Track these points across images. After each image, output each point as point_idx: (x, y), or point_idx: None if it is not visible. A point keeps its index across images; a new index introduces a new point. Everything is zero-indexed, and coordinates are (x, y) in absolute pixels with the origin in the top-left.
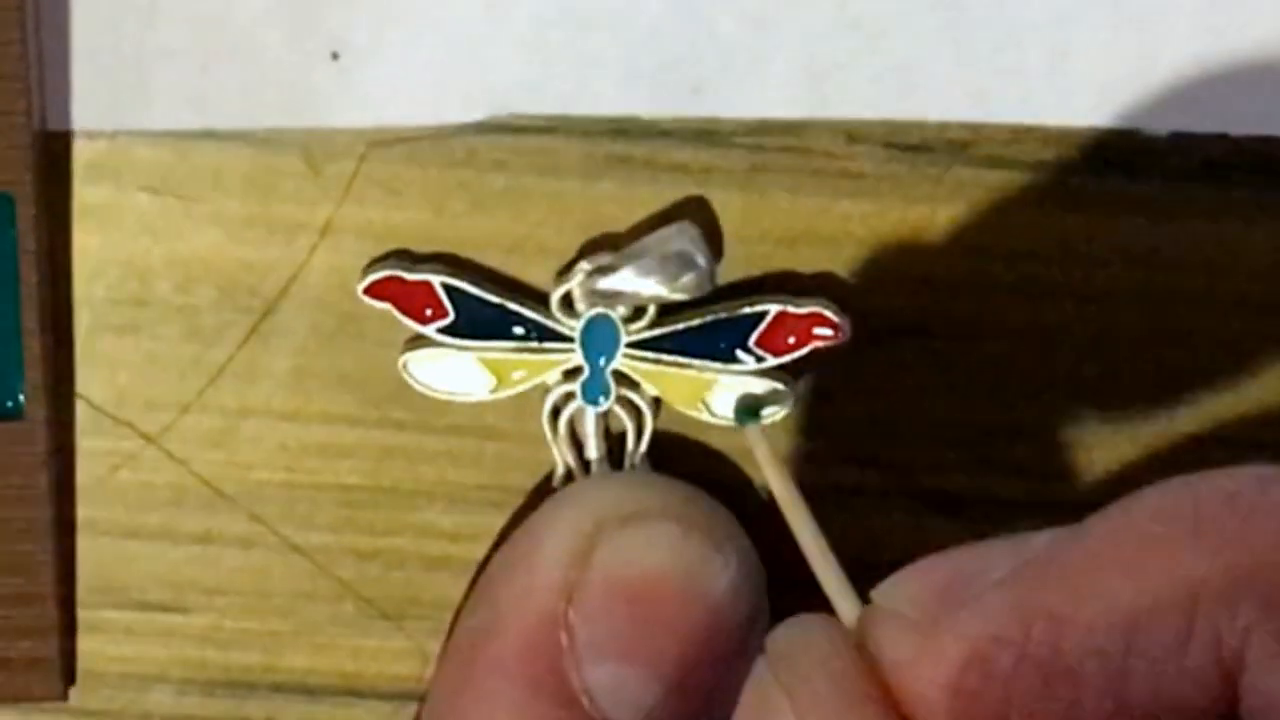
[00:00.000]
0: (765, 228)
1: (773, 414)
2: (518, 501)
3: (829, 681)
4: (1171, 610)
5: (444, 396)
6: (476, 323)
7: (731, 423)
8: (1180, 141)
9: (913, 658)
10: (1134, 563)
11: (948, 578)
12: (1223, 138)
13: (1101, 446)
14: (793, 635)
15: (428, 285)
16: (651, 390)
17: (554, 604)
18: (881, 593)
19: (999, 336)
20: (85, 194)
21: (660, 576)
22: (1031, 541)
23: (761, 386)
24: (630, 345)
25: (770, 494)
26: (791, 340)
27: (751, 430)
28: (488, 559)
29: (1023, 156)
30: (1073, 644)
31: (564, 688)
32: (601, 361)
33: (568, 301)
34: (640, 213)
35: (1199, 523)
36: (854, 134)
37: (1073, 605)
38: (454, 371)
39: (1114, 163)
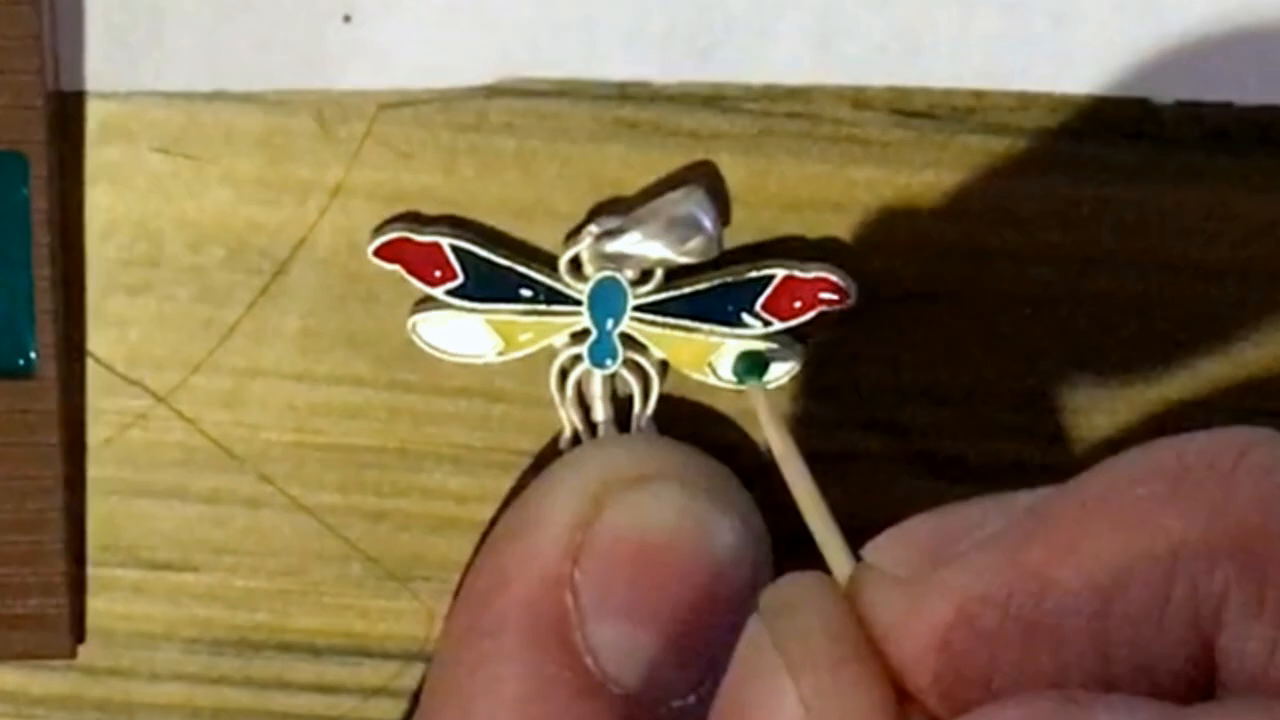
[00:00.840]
0: (772, 192)
1: (778, 378)
2: (525, 463)
3: (823, 639)
4: (1150, 570)
5: (452, 358)
6: (485, 285)
7: (737, 386)
8: (1185, 110)
9: (900, 616)
10: (1115, 523)
11: (935, 536)
12: (1227, 106)
13: (1103, 411)
14: (786, 592)
15: (437, 247)
16: (658, 353)
17: (560, 564)
18: (871, 551)
19: (1002, 302)
20: (98, 154)
21: (665, 537)
22: (1018, 500)
23: (767, 350)
24: (638, 308)
25: (774, 457)
26: (797, 304)
27: (754, 388)
28: (495, 520)
29: (1028, 124)
30: (1054, 604)
31: (569, 647)
32: (609, 324)
33: (576, 264)
34: (648, 177)
35: (1180, 483)
36: (860, 100)
37: (1054, 565)
38: (462, 333)
39: (1119, 130)
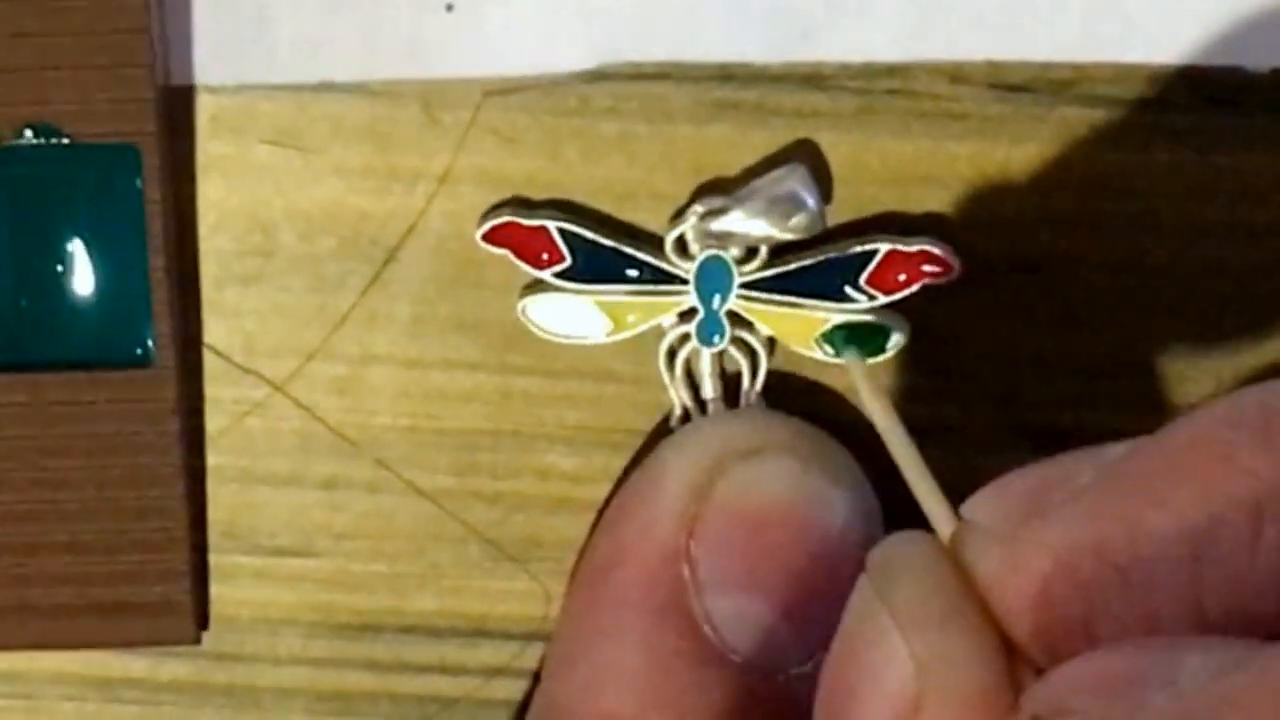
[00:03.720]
0: (873, 169)
1: (890, 349)
2: (637, 443)
3: (926, 593)
4: (1239, 515)
5: (562, 340)
6: (592, 267)
7: (844, 360)
8: None
9: (999, 569)
10: (1204, 469)
11: (1030, 490)
12: None
13: (1205, 378)
14: (892, 552)
15: (544, 231)
16: (765, 330)
17: (676, 537)
18: (970, 507)
19: (1104, 272)
20: (209, 147)
21: (780, 509)
22: (1108, 452)
23: (872, 324)
24: (743, 286)
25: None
26: (902, 278)
27: (851, 360)
28: (609, 499)
29: (1125, 95)
30: (1148, 550)
31: (687, 618)
32: (716, 302)
33: (681, 244)
34: (751, 156)
35: (1267, 428)
36: (958, 75)
37: (1146, 512)
38: (571, 315)
39: (1216, 99)
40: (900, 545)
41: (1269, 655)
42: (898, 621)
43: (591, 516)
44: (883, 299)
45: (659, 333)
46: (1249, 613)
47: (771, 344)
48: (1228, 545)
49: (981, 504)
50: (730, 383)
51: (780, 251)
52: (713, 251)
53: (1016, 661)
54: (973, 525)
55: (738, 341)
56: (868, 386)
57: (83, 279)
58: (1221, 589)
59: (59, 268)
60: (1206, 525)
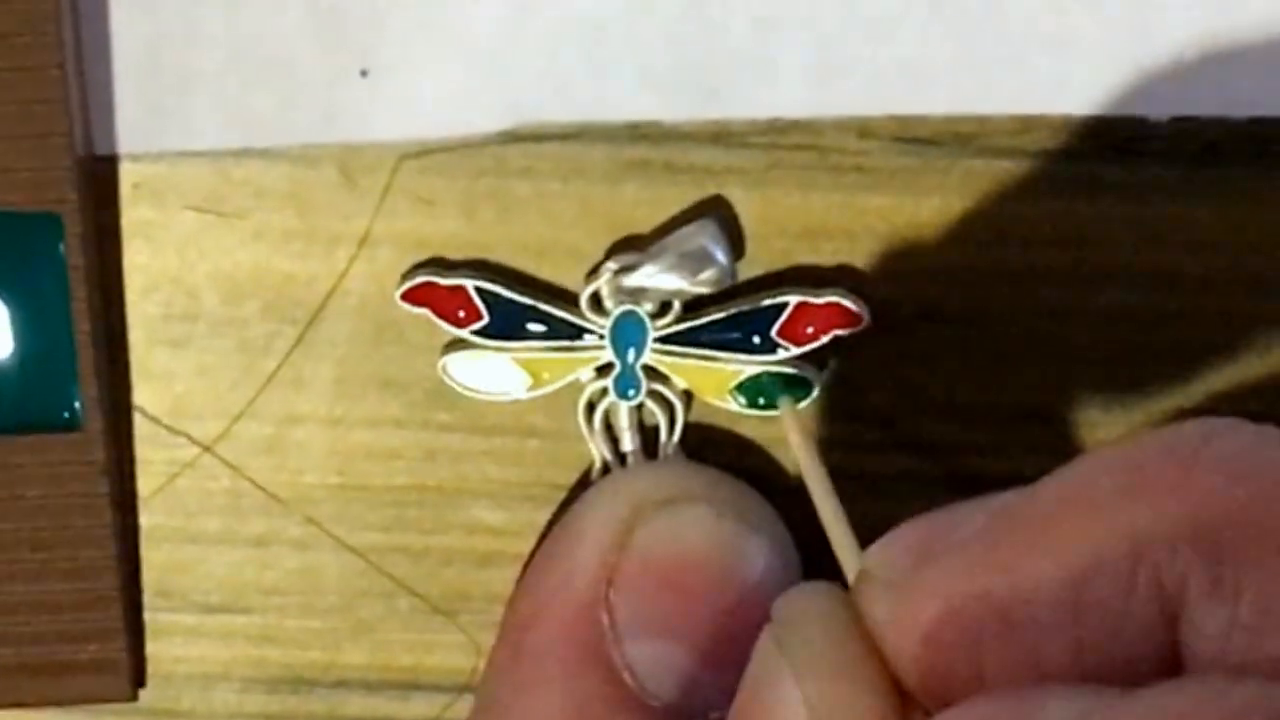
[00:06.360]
0: (783, 223)
1: (803, 400)
2: (559, 496)
3: (826, 644)
4: (1117, 560)
5: (483, 397)
6: (510, 324)
7: (760, 412)
8: (1180, 126)
9: (889, 616)
10: (1084, 515)
11: (922, 538)
12: (1221, 121)
13: (1115, 424)
14: (794, 602)
15: (462, 290)
16: (681, 383)
17: (595, 586)
18: (869, 555)
19: (1012, 320)
20: (133, 214)
21: (696, 557)
22: (998, 499)
23: (785, 375)
24: (658, 340)
25: (799, 480)
26: (810, 330)
27: (785, 405)
28: (534, 552)
29: (1029, 146)
30: (1029, 596)
31: (607, 665)
32: (631, 356)
33: (596, 300)
34: (663, 213)
35: (1144, 475)
36: (864, 130)
37: (1028, 558)
38: (491, 372)
39: (1118, 148)
40: (801, 596)
41: (1118, 706)
42: (793, 670)
43: (518, 569)
44: (794, 350)
45: (578, 387)
46: (1127, 658)
47: (688, 397)
48: (1106, 590)
49: (878, 552)
50: (649, 435)
51: (693, 306)
52: (627, 307)
53: (910, 708)
54: (869, 573)
55: (655, 395)
56: (797, 433)
57: (9, 344)
58: (1101, 634)
59: None
60: (1085, 571)
